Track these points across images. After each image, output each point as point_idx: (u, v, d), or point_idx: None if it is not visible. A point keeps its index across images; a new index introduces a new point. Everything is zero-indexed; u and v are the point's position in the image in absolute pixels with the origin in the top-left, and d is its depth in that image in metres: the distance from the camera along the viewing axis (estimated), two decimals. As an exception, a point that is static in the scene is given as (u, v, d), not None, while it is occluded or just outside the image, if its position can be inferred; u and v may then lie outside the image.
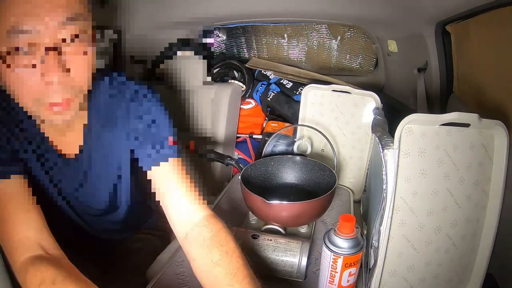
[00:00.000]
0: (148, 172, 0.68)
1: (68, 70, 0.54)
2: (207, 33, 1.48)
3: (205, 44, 1.49)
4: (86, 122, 0.69)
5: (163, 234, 1.03)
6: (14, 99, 0.55)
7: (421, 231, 0.65)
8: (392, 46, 1.29)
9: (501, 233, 0.67)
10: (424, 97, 1.09)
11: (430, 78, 1.07)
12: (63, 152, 0.71)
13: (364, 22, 1.35)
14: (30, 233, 0.57)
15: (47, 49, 0.51)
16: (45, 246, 0.58)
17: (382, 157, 0.61)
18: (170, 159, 0.68)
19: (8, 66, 0.50)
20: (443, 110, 1.05)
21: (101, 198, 0.78)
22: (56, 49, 0.51)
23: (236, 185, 1.11)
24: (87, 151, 0.71)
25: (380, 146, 0.63)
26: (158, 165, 0.67)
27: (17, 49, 0.50)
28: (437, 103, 1.08)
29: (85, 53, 0.55)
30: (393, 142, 0.61)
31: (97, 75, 0.64)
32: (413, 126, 0.62)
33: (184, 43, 1.43)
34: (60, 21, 0.51)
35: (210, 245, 0.60)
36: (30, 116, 0.63)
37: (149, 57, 1.43)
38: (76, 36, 0.53)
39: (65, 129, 0.68)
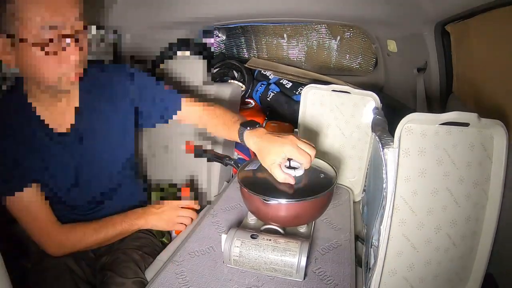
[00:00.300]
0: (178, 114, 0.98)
1: (83, 50, 0.74)
2: (207, 33, 1.48)
3: (205, 44, 1.49)
4: (77, 103, 0.86)
5: (158, 231, 1.02)
6: (36, 78, 0.73)
7: (421, 230, 0.65)
8: (392, 46, 1.30)
9: (501, 233, 0.67)
10: (423, 97, 1.10)
11: (430, 78, 1.07)
12: (59, 131, 0.84)
13: (364, 22, 1.35)
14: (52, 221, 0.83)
15: (68, 36, 0.70)
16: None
17: (382, 156, 0.61)
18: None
19: (46, 53, 0.68)
20: (442, 110, 1.05)
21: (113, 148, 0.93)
22: (74, 37, 0.70)
23: (235, 185, 1.11)
24: (82, 123, 0.86)
25: (380, 145, 0.63)
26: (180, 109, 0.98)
27: (48, 39, 0.67)
28: (436, 103, 1.08)
29: (85, 39, 0.75)
30: (393, 141, 0.61)
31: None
32: (413, 125, 0.63)
33: (184, 43, 1.43)
34: (77, 15, 0.71)
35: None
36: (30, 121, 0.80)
37: (149, 57, 1.43)
38: (85, 27, 0.73)
39: (63, 107, 0.84)
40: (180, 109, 0.97)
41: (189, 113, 0.99)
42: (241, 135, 0.84)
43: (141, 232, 0.97)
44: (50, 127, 0.82)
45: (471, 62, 0.90)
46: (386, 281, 0.66)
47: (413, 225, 0.65)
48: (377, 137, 0.69)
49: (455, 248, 0.66)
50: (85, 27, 0.74)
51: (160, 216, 0.94)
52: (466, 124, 0.63)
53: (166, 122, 1.00)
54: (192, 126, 1.04)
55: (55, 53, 0.70)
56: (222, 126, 0.94)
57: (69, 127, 0.85)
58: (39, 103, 0.80)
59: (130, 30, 1.29)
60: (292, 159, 0.76)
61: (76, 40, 0.71)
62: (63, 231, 0.83)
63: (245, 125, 0.84)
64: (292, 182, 0.75)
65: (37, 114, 0.80)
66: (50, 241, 0.82)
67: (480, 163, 0.65)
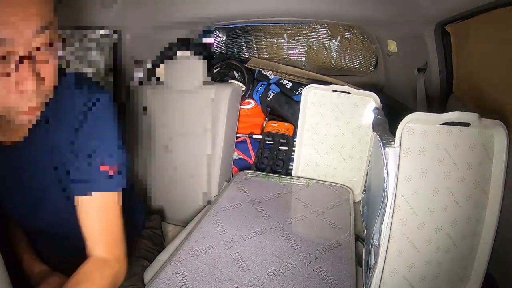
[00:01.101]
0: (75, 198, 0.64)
1: (42, 78, 0.54)
2: (207, 33, 1.48)
3: (205, 44, 1.49)
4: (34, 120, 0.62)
5: (152, 232, 1.02)
6: None
7: (421, 230, 0.65)
8: (392, 46, 1.30)
9: (501, 233, 0.67)
10: (424, 97, 1.09)
11: (430, 78, 1.07)
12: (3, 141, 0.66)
13: (364, 22, 1.35)
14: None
15: (22, 57, 0.50)
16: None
17: (383, 155, 0.61)
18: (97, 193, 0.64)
19: None
20: (443, 110, 1.04)
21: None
22: (30, 57, 0.51)
23: (235, 185, 1.11)
24: (32, 139, 0.66)
25: (381, 145, 0.63)
26: (85, 195, 0.63)
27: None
28: (437, 103, 1.08)
29: (55, 58, 0.56)
30: (394, 141, 0.61)
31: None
32: (414, 125, 0.63)
33: (184, 43, 1.42)
34: (34, 29, 0.51)
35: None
36: None
37: (149, 57, 1.43)
38: (50, 44, 0.53)
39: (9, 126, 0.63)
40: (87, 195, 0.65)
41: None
42: None
43: (138, 237, 0.96)
44: None
45: (471, 62, 0.90)
46: (386, 281, 0.66)
47: (414, 225, 0.65)
48: (378, 137, 0.69)
49: (456, 248, 0.66)
50: (52, 44, 0.54)
51: None
52: (467, 124, 0.63)
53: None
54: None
55: (6, 75, 0.51)
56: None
57: (18, 140, 0.66)
58: None
59: (130, 30, 1.29)
60: None
61: (33, 62, 0.52)
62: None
63: None
64: None
65: None
66: None
67: (480, 163, 0.65)
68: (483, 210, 0.67)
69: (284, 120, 1.44)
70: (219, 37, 1.78)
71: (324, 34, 1.65)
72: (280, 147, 1.35)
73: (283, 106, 1.42)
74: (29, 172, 0.69)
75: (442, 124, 0.63)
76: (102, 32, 1.22)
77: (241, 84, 1.48)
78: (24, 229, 0.82)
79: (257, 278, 0.70)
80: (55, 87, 0.59)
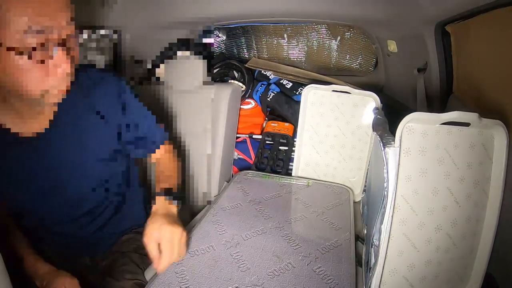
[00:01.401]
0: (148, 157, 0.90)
1: (73, 61, 0.63)
2: (207, 33, 1.48)
3: (205, 44, 1.49)
4: (55, 108, 0.75)
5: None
6: (16, 90, 0.62)
7: (421, 230, 0.65)
8: (392, 46, 1.30)
9: (501, 233, 0.67)
10: (424, 97, 1.10)
11: (430, 78, 1.07)
12: (25, 136, 0.73)
13: (364, 22, 1.36)
14: None
15: (59, 44, 0.60)
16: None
17: (384, 155, 0.61)
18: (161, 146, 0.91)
19: (29, 57, 0.57)
20: (442, 110, 1.04)
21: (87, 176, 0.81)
22: (64, 44, 0.60)
23: (235, 185, 1.11)
24: (56, 130, 0.75)
25: (381, 145, 0.63)
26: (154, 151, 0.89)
27: (33, 46, 0.57)
28: (437, 103, 1.08)
29: (77, 47, 0.65)
30: (394, 141, 0.61)
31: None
32: (414, 124, 0.63)
33: (184, 43, 1.42)
34: (68, 19, 0.60)
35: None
36: None
37: (149, 57, 1.43)
38: (73, 33, 0.62)
39: (35, 114, 0.73)
40: (159, 148, 0.90)
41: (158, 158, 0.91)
42: (154, 198, 0.79)
43: (138, 234, 0.96)
44: (15, 134, 0.72)
45: (471, 62, 0.90)
46: (386, 281, 0.66)
47: (414, 224, 0.65)
48: (378, 137, 0.69)
49: (456, 248, 0.66)
50: (77, 31, 0.63)
51: None
52: (467, 124, 0.63)
53: (144, 156, 0.91)
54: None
55: (42, 62, 0.59)
56: (163, 181, 0.84)
57: (39, 131, 0.74)
58: (3, 111, 0.70)
59: (130, 30, 1.29)
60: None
61: (67, 48, 0.61)
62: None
63: (165, 193, 0.80)
64: (155, 265, 0.69)
65: (5, 127, 0.71)
66: None
67: (480, 163, 0.65)
68: (483, 210, 0.67)
69: (284, 120, 1.44)
70: (219, 37, 1.78)
71: (324, 34, 1.65)
72: (280, 147, 1.35)
73: (283, 106, 1.42)
74: (54, 160, 0.75)
75: (442, 124, 0.63)
76: (102, 32, 1.22)
77: (241, 84, 1.48)
78: (33, 225, 0.82)
79: (257, 278, 0.70)
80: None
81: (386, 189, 0.61)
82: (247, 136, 1.41)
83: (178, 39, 1.42)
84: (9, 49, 0.56)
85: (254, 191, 1.07)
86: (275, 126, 1.39)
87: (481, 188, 0.66)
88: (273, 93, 1.45)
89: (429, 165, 0.64)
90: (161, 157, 0.91)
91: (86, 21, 1.10)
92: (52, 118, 0.74)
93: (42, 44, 0.58)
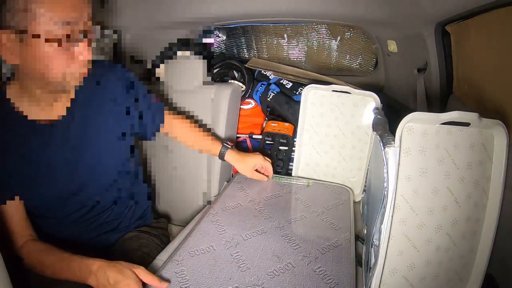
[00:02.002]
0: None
1: (91, 50, 0.72)
2: (207, 33, 1.48)
3: (205, 44, 1.49)
4: (73, 95, 0.82)
5: (162, 233, 1.03)
6: (40, 74, 0.70)
7: (421, 229, 0.65)
8: (392, 46, 1.30)
9: (501, 233, 0.67)
10: (423, 97, 1.10)
11: (430, 79, 1.07)
12: (43, 123, 0.79)
13: (364, 22, 1.35)
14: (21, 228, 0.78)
15: (83, 34, 0.69)
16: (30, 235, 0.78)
17: (384, 155, 0.61)
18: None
19: (59, 45, 0.66)
20: (442, 110, 1.04)
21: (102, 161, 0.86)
22: (86, 35, 0.70)
23: (235, 185, 1.11)
24: (72, 116, 0.82)
25: (381, 144, 0.63)
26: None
27: (60, 35, 0.66)
28: (436, 103, 1.08)
29: (94, 40, 0.74)
30: (394, 140, 0.61)
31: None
32: (414, 124, 0.63)
33: (184, 43, 1.42)
34: (90, 14, 0.71)
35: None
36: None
37: (149, 57, 1.43)
38: (94, 25, 0.72)
39: (53, 100, 0.79)
40: (163, 122, 1.04)
41: (169, 126, 1.06)
42: (222, 152, 1.09)
43: (140, 232, 0.96)
44: (32, 121, 0.77)
45: (471, 62, 0.90)
46: (386, 281, 0.66)
47: (414, 224, 0.65)
48: (378, 136, 0.69)
49: (456, 247, 0.66)
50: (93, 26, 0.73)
51: None
52: (467, 124, 0.63)
53: (153, 134, 1.04)
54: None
55: (67, 50, 0.69)
56: (205, 141, 1.10)
57: (56, 119, 0.80)
58: (24, 98, 0.76)
59: (130, 30, 1.29)
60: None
61: (88, 39, 0.71)
62: (28, 251, 0.76)
63: (226, 144, 1.10)
64: (265, 180, 1.13)
65: (16, 110, 0.76)
66: (15, 249, 0.77)
67: (480, 163, 0.65)
68: (483, 209, 0.67)
69: (284, 120, 1.44)
70: (219, 37, 1.78)
71: (324, 34, 1.65)
72: (280, 147, 1.35)
73: (283, 106, 1.42)
74: (70, 146, 0.81)
75: (442, 124, 0.63)
76: (107, 32, 1.22)
77: (241, 84, 1.48)
78: (47, 221, 0.84)
79: (257, 278, 0.70)
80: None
81: (386, 189, 0.61)
82: (247, 136, 1.41)
83: (178, 39, 1.42)
84: (34, 36, 0.64)
85: (254, 191, 1.07)
86: (275, 126, 1.39)
87: (481, 188, 0.66)
88: (273, 93, 1.45)
89: (429, 165, 0.64)
90: (172, 123, 1.06)
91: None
92: (69, 105, 0.81)
93: (68, 35, 0.67)
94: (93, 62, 0.79)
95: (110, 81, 0.88)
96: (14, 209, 0.77)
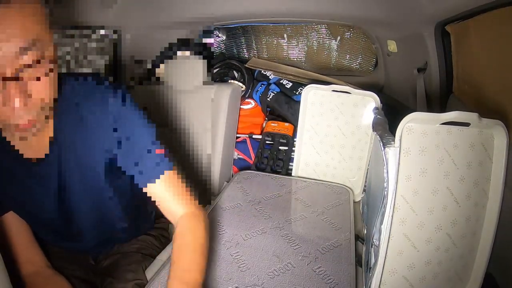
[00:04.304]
0: (144, 189, 0.69)
1: (30, 95, 0.53)
2: (207, 33, 1.48)
3: (205, 44, 1.49)
4: (51, 133, 0.68)
5: (162, 234, 1.03)
6: None
7: (421, 229, 0.65)
8: (392, 46, 1.30)
9: (501, 233, 0.67)
10: (423, 97, 1.10)
11: (430, 78, 1.07)
12: (33, 160, 0.69)
13: (364, 22, 1.36)
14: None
15: (7, 78, 0.50)
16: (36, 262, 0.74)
17: (383, 155, 0.61)
18: (161, 176, 0.68)
19: None
20: (442, 110, 1.04)
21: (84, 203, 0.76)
22: (16, 77, 0.51)
23: (235, 185, 1.11)
24: (54, 155, 0.69)
25: (381, 145, 0.63)
26: (153, 182, 0.68)
27: None
28: (436, 103, 1.08)
29: (46, 74, 0.54)
30: (394, 140, 0.61)
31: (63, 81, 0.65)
32: (413, 124, 0.63)
33: (184, 43, 1.42)
34: (17, 50, 0.49)
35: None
36: None
37: (149, 57, 1.43)
38: (37, 61, 0.52)
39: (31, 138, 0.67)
40: (152, 182, 0.69)
41: (158, 197, 0.71)
42: None
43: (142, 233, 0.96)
44: (24, 157, 0.68)
45: (471, 62, 0.90)
46: (386, 280, 0.66)
47: (414, 224, 0.65)
48: (378, 136, 0.69)
49: (455, 247, 0.66)
50: (39, 61, 0.53)
51: None
52: (467, 124, 0.63)
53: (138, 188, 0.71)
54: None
55: None
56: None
57: (41, 156, 0.69)
58: (10, 134, 0.65)
59: (130, 30, 1.29)
60: None
61: (20, 80, 0.51)
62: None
63: None
64: None
65: (11, 144, 0.66)
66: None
67: (480, 163, 0.65)
68: (483, 209, 0.67)
69: (284, 120, 1.44)
70: (219, 37, 1.78)
71: (324, 34, 1.65)
72: (280, 147, 1.35)
73: (283, 106, 1.42)
74: (59, 185, 0.71)
75: (442, 124, 0.63)
76: (102, 32, 1.22)
77: (241, 84, 1.48)
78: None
79: (257, 278, 0.70)
80: (55, 100, 0.59)
81: (386, 189, 0.61)
82: (247, 136, 1.41)
83: (178, 39, 1.42)
84: None
85: (254, 191, 1.07)
86: (275, 126, 1.39)
87: (481, 188, 0.66)
88: (273, 93, 1.45)
89: (429, 165, 0.64)
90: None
91: (86, 21, 1.10)
92: (50, 141, 0.68)
93: None
94: (72, 81, 0.67)
95: (90, 110, 0.67)
96: (19, 234, 0.75)
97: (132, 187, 0.75)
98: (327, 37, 1.65)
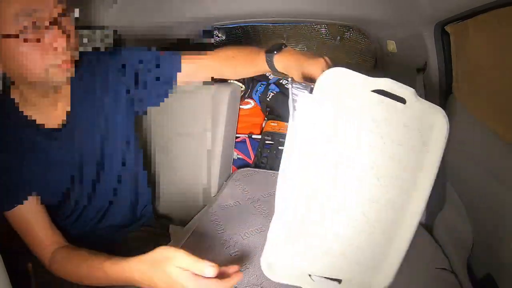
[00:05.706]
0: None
1: (68, 36, 0.66)
2: (207, 33, 1.48)
3: (205, 44, 1.49)
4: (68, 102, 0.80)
5: (162, 233, 1.03)
6: (22, 75, 0.66)
7: (330, 201, 0.60)
8: (391, 46, 1.30)
9: (501, 233, 0.66)
10: (423, 97, 1.09)
11: (429, 79, 1.07)
12: (50, 127, 0.78)
13: (364, 22, 1.36)
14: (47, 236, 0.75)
15: (50, 23, 0.63)
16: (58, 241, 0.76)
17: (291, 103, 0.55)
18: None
19: (25, 40, 0.62)
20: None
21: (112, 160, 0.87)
22: (56, 22, 0.63)
23: (235, 183, 1.11)
24: (75, 118, 0.80)
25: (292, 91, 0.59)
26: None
27: (25, 27, 0.61)
28: (436, 103, 1.08)
29: (72, 24, 0.68)
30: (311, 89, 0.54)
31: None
32: (341, 80, 0.56)
33: (184, 43, 1.43)
34: (55, 0, 0.63)
35: None
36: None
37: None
38: (65, 12, 0.66)
39: (51, 104, 0.77)
40: (179, 70, 0.89)
41: (195, 69, 0.91)
42: (269, 61, 0.80)
43: (141, 232, 0.96)
44: (40, 125, 0.77)
45: (471, 63, 0.90)
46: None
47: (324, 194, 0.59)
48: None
49: (373, 232, 0.61)
50: (69, 11, 0.67)
51: None
52: (403, 101, 0.58)
53: (170, 88, 0.91)
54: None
55: (38, 41, 0.63)
56: (244, 64, 0.87)
57: (61, 122, 0.79)
58: (27, 103, 0.75)
59: (130, 30, 1.29)
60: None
61: (59, 26, 0.64)
62: (58, 260, 0.74)
63: (271, 50, 0.80)
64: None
65: (25, 115, 0.75)
66: (44, 260, 0.76)
67: (413, 148, 0.60)
68: (408, 196, 0.62)
69: (284, 120, 1.44)
70: (219, 37, 1.78)
71: (324, 34, 1.65)
72: (279, 147, 1.35)
73: (283, 106, 1.42)
74: (77, 151, 0.81)
75: (374, 91, 0.57)
76: (102, 32, 1.22)
77: (240, 84, 1.48)
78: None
79: (256, 277, 0.70)
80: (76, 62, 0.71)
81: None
82: (247, 136, 1.42)
83: (178, 39, 1.42)
84: (4, 36, 0.61)
85: (253, 189, 1.07)
86: (275, 126, 1.39)
87: (411, 174, 0.61)
88: (273, 93, 1.45)
89: (347, 130, 0.58)
90: (194, 66, 0.92)
91: (86, 21, 1.10)
92: (68, 109, 0.79)
93: (34, 24, 0.62)
94: (82, 56, 0.77)
95: (104, 70, 0.84)
96: (36, 215, 0.75)
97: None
98: (327, 37, 1.65)
